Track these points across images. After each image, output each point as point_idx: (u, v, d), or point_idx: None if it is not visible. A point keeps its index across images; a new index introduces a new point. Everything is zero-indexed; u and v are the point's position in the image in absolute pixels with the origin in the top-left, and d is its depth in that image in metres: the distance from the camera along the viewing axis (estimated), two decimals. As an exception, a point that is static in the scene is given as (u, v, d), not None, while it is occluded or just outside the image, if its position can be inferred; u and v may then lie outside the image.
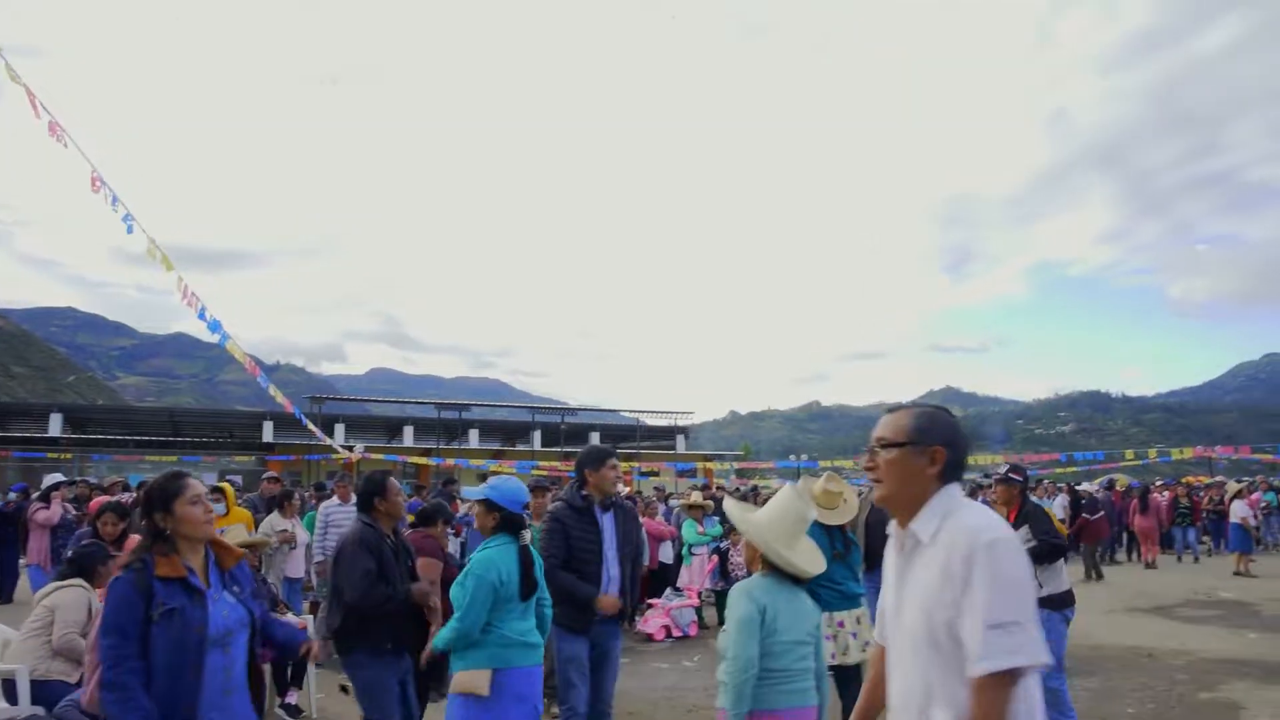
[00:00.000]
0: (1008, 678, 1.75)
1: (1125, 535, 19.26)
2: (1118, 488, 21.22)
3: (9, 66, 5.98)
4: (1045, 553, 5.68)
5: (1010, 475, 6.24)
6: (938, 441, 2.03)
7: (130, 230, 8.11)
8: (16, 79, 6.21)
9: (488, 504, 4.07)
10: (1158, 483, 23.88)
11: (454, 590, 3.98)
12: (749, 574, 3.55)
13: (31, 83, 6.51)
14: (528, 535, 4.21)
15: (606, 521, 5.00)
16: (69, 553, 5.66)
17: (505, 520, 4.08)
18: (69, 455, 36.53)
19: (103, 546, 5.59)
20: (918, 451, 2.02)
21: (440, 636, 4.01)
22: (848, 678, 5.34)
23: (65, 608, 4.96)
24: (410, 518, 6.35)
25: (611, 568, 4.92)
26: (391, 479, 4.64)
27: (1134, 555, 18.73)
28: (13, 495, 11.57)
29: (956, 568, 1.83)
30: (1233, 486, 19.15)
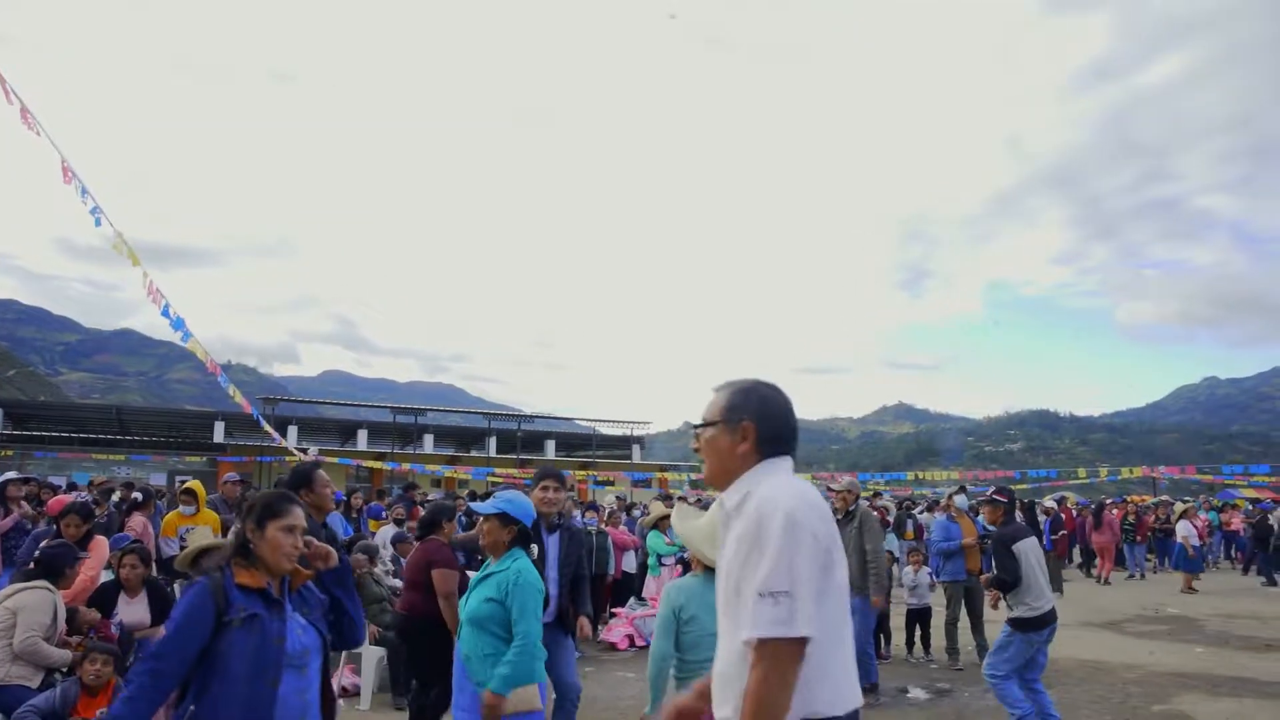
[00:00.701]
0: (776, 647, 1.74)
1: (1080, 552, 19.74)
2: (1068, 505, 21.71)
3: (-17, 52, 5.83)
4: (1001, 584, 6.07)
5: (995, 497, 6.47)
6: (747, 417, 2.03)
7: (99, 223, 7.93)
8: (-11, 65, 6.06)
9: (504, 518, 4.02)
10: (1107, 501, 24.47)
11: (484, 606, 3.86)
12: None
13: (3, 69, 6.36)
14: (535, 550, 4.25)
15: (551, 543, 5.11)
16: (36, 553, 5.48)
17: (521, 534, 4.07)
18: (9, 452, 35.43)
19: (71, 548, 5.43)
20: (729, 428, 2.04)
21: (507, 667, 3.71)
22: None
23: (29, 610, 4.81)
24: (368, 524, 6.34)
25: (551, 587, 4.94)
26: (320, 471, 4.42)
27: (1088, 570, 19.20)
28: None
29: (748, 535, 1.86)
30: (1179, 507, 19.71)
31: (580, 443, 52.11)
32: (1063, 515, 19.22)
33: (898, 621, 9.79)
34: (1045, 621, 5.94)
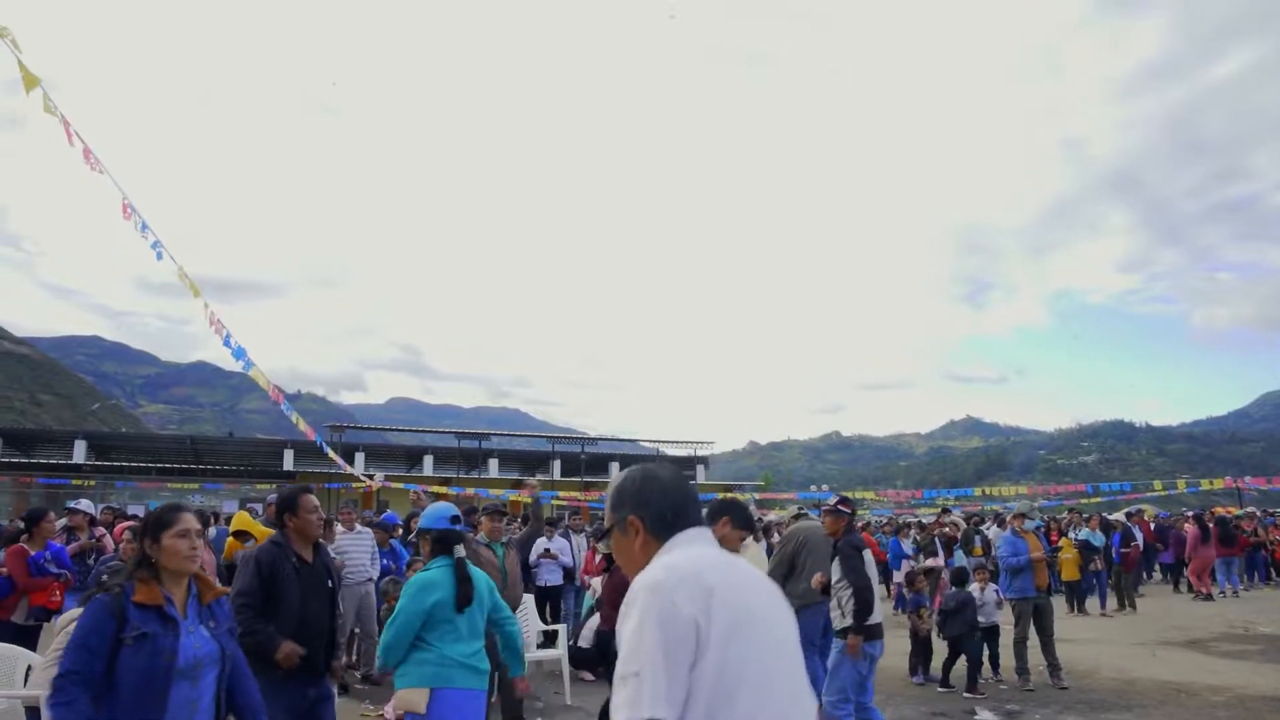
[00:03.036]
0: None
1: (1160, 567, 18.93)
2: (1145, 519, 20.86)
3: (46, 97, 6.07)
4: (861, 599, 5.81)
5: (839, 507, 6.39)
6: (629, 511, 1.94)
7: (160, 257, 8.17)
8: (52, 110, 6.30)
9: (420, 533, 4.41)
10: (1189, 514, 23.42)
11: None
12: None
13: (64, 112, 6.61)
14: (461, 550, 4.33)
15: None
16: (103, 575, 5.63)
17: (436, 541, 4.29)
18: (93, 482, 36.79)
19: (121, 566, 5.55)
20: (620, 530, 1.96)
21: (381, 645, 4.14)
22: None
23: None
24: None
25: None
26: (307, 495, 4.33)
27: (1177, 585, 18.38)
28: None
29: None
30: None
31: (647, 462, 51.97)
32: (1139, 529, 18.51)
33: (893, 644, 9.42)
34: (878, 633, 5.95)
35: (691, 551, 1.85)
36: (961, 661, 8.74)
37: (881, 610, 6.15)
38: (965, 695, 8.39)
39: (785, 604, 1.93)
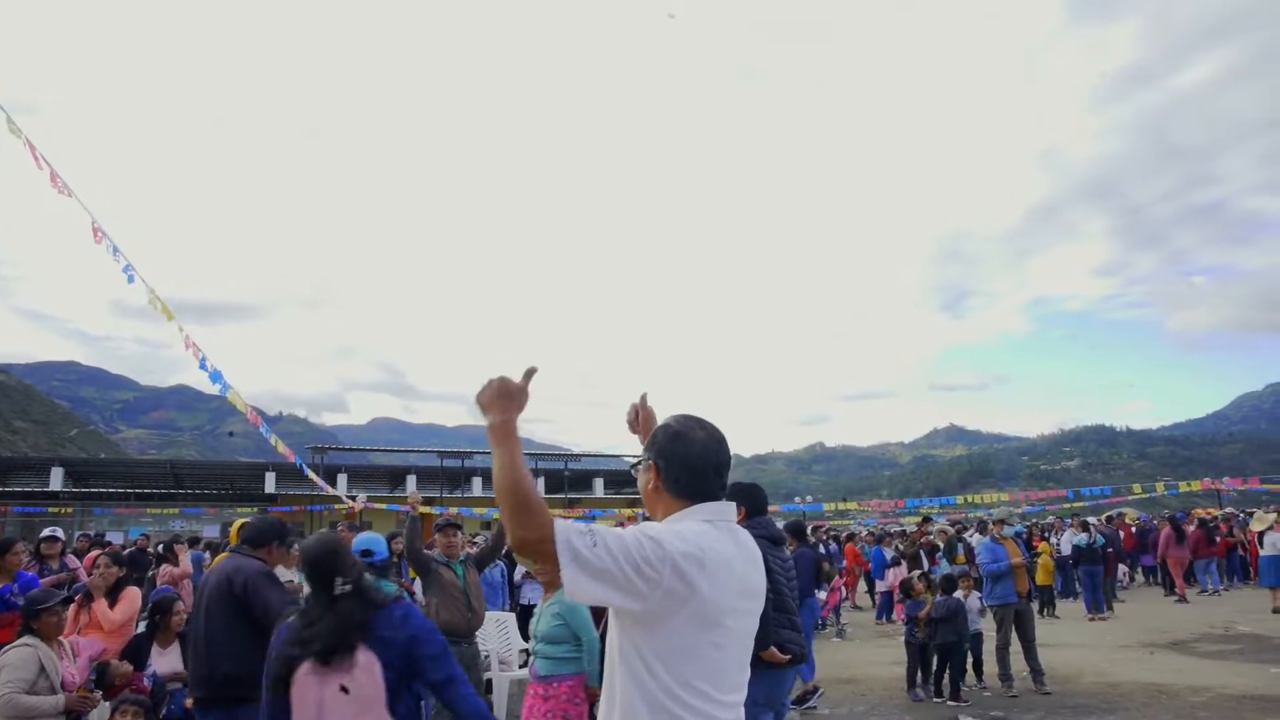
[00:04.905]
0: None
1: (1141, 569, 19.03)
2: (1126, 522, 21.00)
3: (10, 120, 6.03)
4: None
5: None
6: (653, 454, 1.94)
7: (131, 280, 8.13)
8: (17, 132, 6.26)
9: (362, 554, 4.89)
10: (1166, 514, 23.61)
11: None
12: None
13: (31, 137, 6.56)
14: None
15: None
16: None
17: (377, 568, 4.91)
18: (70, 509, 36.29)
19: (50, 591, 5.21)
20: (645, 465, 1.96)
21: None
22: None
23: (9, 667, 4.60)
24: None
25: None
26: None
27: (1165, 586, 18.46)
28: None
29: None
30: (1264, 518, 18.43)
31: (628, 479, 51.93)
32: (1120, 532, 18.63)
33: (878, 654, 9.42)
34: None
35: (701, 530, 1.81)
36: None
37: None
38: (949, 703, 8.39)
39: (762, 580, 1.94)
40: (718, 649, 1.75)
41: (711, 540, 1.78)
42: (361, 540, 5.22)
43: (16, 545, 7.12)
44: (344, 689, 2.72)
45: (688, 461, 1.90)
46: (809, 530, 12.90)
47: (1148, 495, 30.69)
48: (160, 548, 11.79)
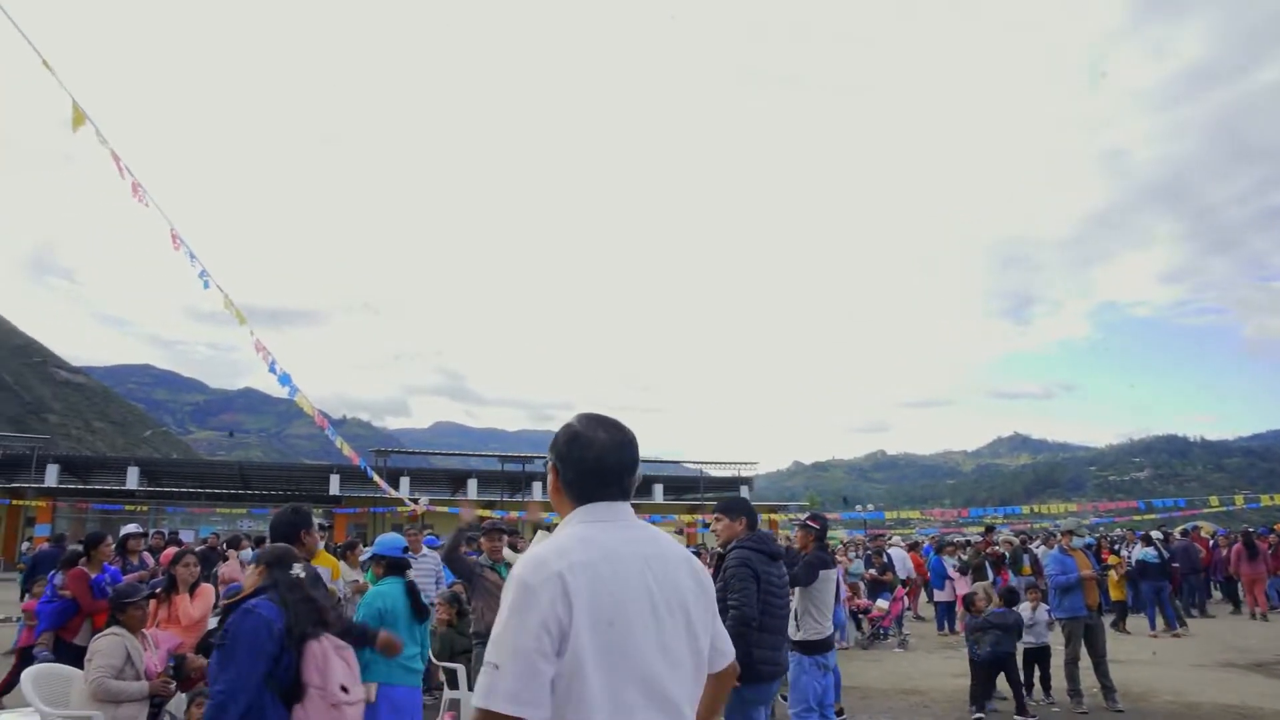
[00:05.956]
0: (486, 717, 1.58)
1: (1216, 585, 18.28)
2: (1203, 535, 20.22)
3: (98, 131, 6.27)
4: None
5: (809, 523, 6.39)
6: (552, 457, 1.89)
7: (206, 286, 8.37)
8: (104, 142, 6.50)
9: (375, 559, 5.32)
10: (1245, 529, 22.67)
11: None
12: None
13: (113, 147, 6.82)
14: (410, 573, 5.41)
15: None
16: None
17: (390, 565, 5.23)
18: (145, 507, 37.64)
19: (134, 586, 5.76)
20: (548, 467, 1.91)
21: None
22: None
23: (99, 654, 5.06)
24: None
25: None
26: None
27: (1234, 602, 17.76)
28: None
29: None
30: None
31: (688, 485, 51.85)
32: (1199, 546, 17.96)
33: (941, 665, 9.17)
34: (828, 645, 5.94)
35: (583, 532, 1.77)
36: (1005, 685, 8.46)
37: (827, 627, 5.92)
38: (1015, 718, 8.16)
39: (690, 576, 1.83)
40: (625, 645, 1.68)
41: (581, 548, 1.72)
42: (399, 540, 5.58)
43: (107, 539, 7.55)
44: None
45: (584, 463, 1.84)
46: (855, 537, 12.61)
47: (1225, 509, 29.53)
48: (224, 546, 12.15)
